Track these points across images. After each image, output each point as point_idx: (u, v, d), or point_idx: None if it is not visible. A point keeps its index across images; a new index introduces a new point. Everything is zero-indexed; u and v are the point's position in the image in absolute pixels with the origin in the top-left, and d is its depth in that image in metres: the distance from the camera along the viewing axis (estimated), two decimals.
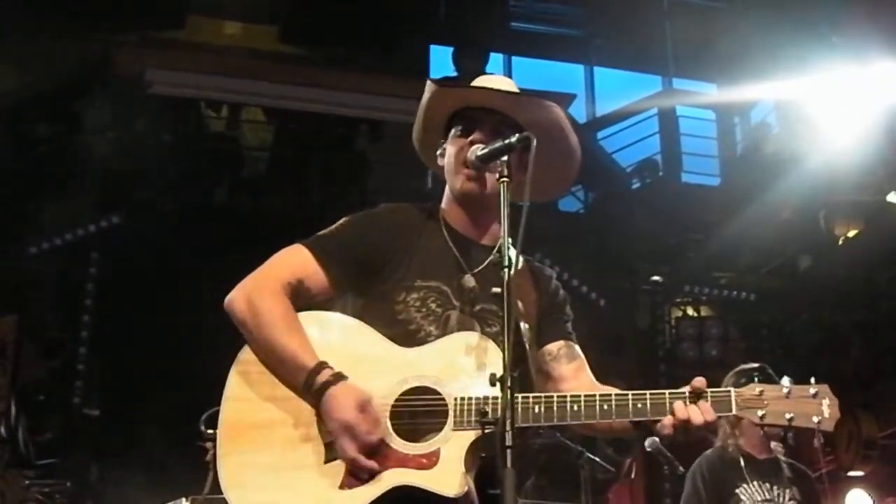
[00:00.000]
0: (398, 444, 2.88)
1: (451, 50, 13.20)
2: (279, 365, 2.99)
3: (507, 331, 2.68)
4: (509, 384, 2.63)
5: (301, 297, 3.09)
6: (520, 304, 3.08)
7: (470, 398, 2.88)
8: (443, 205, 3.31)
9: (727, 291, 12.94)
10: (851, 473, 11.63)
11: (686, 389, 2.89)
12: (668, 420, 2.87)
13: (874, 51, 10.37)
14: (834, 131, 11.03)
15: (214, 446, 3.04)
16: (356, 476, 2.85)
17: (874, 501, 11.43)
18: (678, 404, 2.86)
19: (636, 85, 15.60)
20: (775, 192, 11.67)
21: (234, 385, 3.06)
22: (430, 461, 2.83)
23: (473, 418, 2.84)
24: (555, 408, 2.87)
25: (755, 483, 5.63)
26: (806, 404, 2.83)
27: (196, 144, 12.23)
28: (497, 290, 2.81)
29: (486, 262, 3.16)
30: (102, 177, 11.34)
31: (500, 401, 2.65)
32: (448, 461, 2.81)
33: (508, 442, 2.55)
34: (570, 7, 15.24)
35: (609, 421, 2.92)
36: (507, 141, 2.96)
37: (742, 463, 5.69)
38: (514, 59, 15.34)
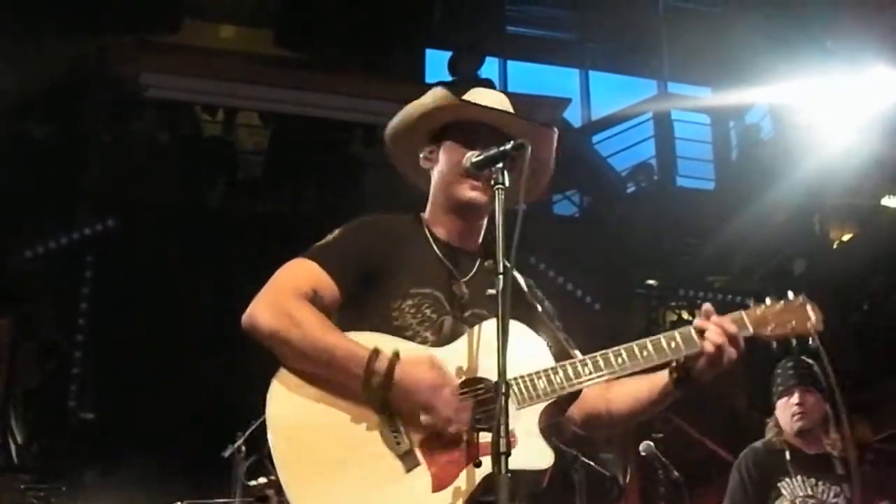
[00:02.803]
0: (470, 435, 2.87)
1: (446, 54, 13.21)
2: (330, 363, 2.88)
3: (504, 333, 2.70)
4: (504, 390, 2.64)
5: (317, 307, 3.01)
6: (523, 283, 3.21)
7: (521, 376, 2.92)
8: (426, 215, 3.31)
9: (722, 295, 12.94)
10: None
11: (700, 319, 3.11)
12: (708, 344, 3.03)
13: (868, 55, 10.40)
14: (828, 135, 11.05)
15: (276, 493, 2.94)
16: (443, 476, 2.83)
17: None
18: (706, 323, 3.08)
19: (631, 89, 15.62)
20: (770, 195, 11.70)
21: (280, 418, 2.90)
22: (508, 443, 2.81)
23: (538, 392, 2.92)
24: (601, 362, 3.01)
25: (799, 477, 5.51)
26: (798, 312, 3.23)
27: (191, 148, 12.24)
28: (492, 291, 2.84)
29: (486, 271, 3.16)
30: (98, 180, 11.34)
31: (497, 405, 2.65)
32: (527, 437, 2.84)
33: (503, 448, 2.57)
34: (565, 11, 15.26)
35: (636, 392, 3.14)
36: (502, 148, 2.98)
37: (788, 456, 5.60)
38: (510, 63, 15.36)
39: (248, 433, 6.36)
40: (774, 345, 3.23)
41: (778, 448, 5.67)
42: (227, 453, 6.47)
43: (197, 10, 12.73)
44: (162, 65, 11.93)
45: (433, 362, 2.89)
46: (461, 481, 2.83)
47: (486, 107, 3.24)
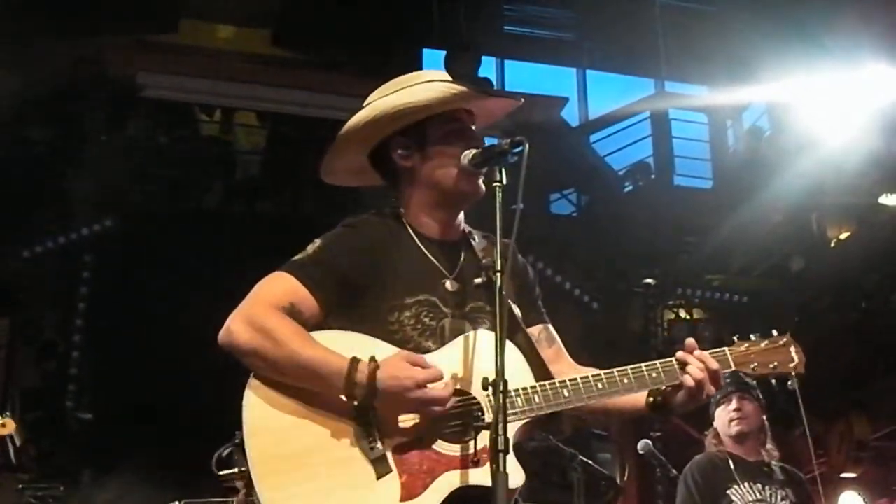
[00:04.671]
0: (444, 447, 2.87)
1: (443, 53, 13.22)
2: (309, 377, 2.88)
3: (502, 333, 2.71)
4: (501, 389, 2.64)
5: (295, 321, 2.98)
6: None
7: (515, 390, 2.90)
8: (407, 212, 3.26)
9: (719, 294, 12.97)
10: (844, 475, 11.66)
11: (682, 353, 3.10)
12: (689, 379, 3.02)
13: (866, 53, 10.41)
14: (826, 134, 11.06)
15: (245, 485, 2.95)
16: (413, 486, 2.83)
17: (867, 503, 11.45)
18: (689, 357, 3.06)
19: (628, 88, 15.62)
20: (767, 194, 11.70)
21: (254, 419, 2.90)
22: (481, 458, 2.82)
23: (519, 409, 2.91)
24: (581, 388, 2.98)
25: (746, 484, 5.67)
26: (781, 353, 3.23)
27: (189, 148, 12.23)
28: (478, 280, 2.97)
29: (483, 269, 3.14)
30: (96, 180, 11.33)
31: (494, 404, 2.66)
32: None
33: (501, 446, 2.57)
34: (562, 11, 15.24)
35: (628, 403, 3.10)
36: (500, 146, 2.99)
37: (731, 465, 5.74)
38: (507, 62, 15.35)
39: None
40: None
41: (721, 458, 5.84)
42: (224, 452, 6.48)
43: (195, 11, 12.72)
44: (159, 65, 11.93)
45: (411, 360, 2.87)
46: (431, 492, 2.82)
47: (490, 92, 3.29)
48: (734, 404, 5.81)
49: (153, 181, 11.41)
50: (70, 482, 9.55)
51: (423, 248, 3.18)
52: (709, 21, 13.76)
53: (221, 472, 5.84)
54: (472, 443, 2.86)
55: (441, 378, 2.87)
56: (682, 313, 13.11)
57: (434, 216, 3.23)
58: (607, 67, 15.85)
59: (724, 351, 3.15)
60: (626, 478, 10.44)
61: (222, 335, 2.97)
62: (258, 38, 13.04)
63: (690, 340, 3.10)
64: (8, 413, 5.98)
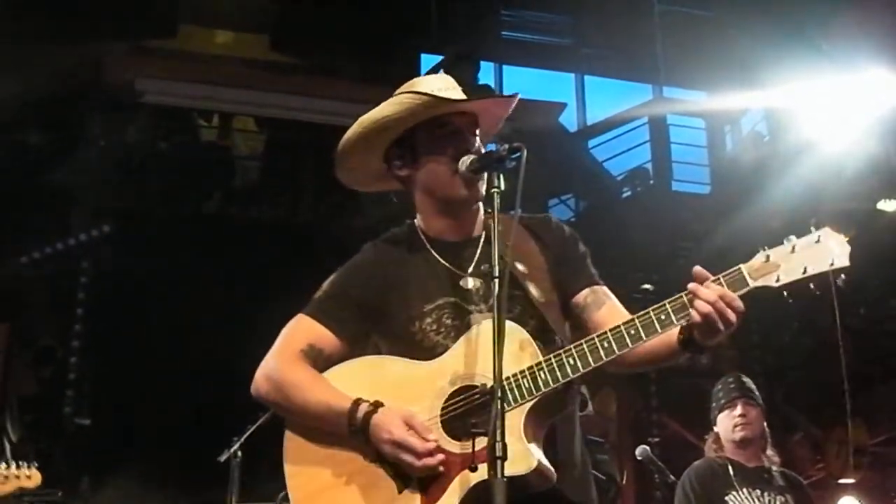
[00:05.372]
0: (457, 447, 2.92)
1: (442, 58, 13.21)
2: (320, 421, 3.07)
3: (500, 334, 2.70)
4: (499, 395, 2.64)
5: (319, 360, 3.16)
6: (522, 267, 3.14)
7: (508, 377, 2.87)
8: (418, 220, 3.32)
9: None
10: (842, 481, 11.65)
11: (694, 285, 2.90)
12: (695, 314, 2.83)
13: (864, 58, 10.40)
14: (824, 139, 11.05)
15: None
16: (432, 492, 2.89)
17: None
18: (697, 289, 2.86)
19: (626, 93, 15.62)
20: (766, 199, 11.68)
21: (291, 461, 3.13)
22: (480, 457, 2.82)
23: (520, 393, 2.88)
24: (587, 352, 2.91)
25: (745, 490, 5.65)
26: (816, 250, 2.82)
27: (187, 153, 12.22)
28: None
29: (483, 274, 3.15)
30: (94, 186, 11.32)
31: (492, 410, 2.65)
32: (510, 442, 2.73)
33: (499, 453, 2.57)
34: (560, 16, 15.26)
35: (662, 345, 2.98)
36: (498, 152, 2.99)
37: (731, 471, 5.73)
38: (506, 67, 15.36)
39: (243, 438, 6.37)
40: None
41: (720, 463, 5.82)
42: (223, 458, 6.47)
43: (193, 16, 12.72)
44: (158, 70, 11.92)
45: (407, 420, 2.94)
46: (451, 493, 2.88)
47: (456, 100, 3.23)
48: (739, 409, 5.81)
49: (151, 187, 11.39)
50: (68, 487, 9.54)
51: (435, 253, 3.23)
52: (707, 26, 13.78)
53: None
54: (483, 438, 2.81)
55: (427, 441, 2.91)
56: None
57: (441, 220, 3.26)
58: (605, 73, 15.87)
59: (738, 269, 2.88)
60: (624, 481, 10.44)
61: (252, 387, 3.23)
62: (257, 44, 13.04)
63: (698, 268, 2.90)
64: (35, 464, 6.04)
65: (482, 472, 2.76)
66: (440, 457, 2.90)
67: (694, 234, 12.87)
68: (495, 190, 2.95)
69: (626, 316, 3.06)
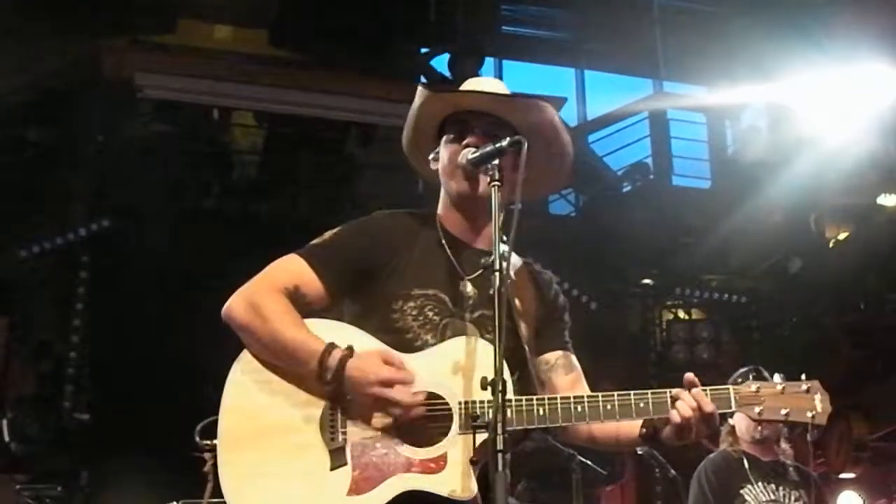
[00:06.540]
0: (405, 449, 2.88)
1: (443, 53, 13.20)
2: (288, 357, 2.97)
3: (500, 334, 2.69)
4: (501, 388, 2.62)
5: (298, 304, 3.07)
6: (518, 303, 3.12)
7: (474, 401, 2.87)
8: (439, 210, 3.30)
9: (718, 294, 12.95)
10: (843, 475, 11.65)
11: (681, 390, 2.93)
12: (676, 415, 2.87)
13: (864, 53, 10.38)
14: (824, 134, 11.03)
15: (213, 456, 3.01)
16: (362, 482, 2.84)
17: (865, 503, 11.45)
18: (683, 394, 2.89)
19: (627, 88, 15.60)
20: (766, 194, 11.68)
21: (233, 395, 3.01)
22: (437, 465, 2.83)
23: (473, 423, 2.81)
24: (559, 409, 2.89)
25: (760, 484, 5.65)
26: (800, 399, 2.92)
27: (186, 148, 12.20)
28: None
29: (482, 267, 3.12)
30: (93, 180, 11.31)
31: (493, 404, 2.64)
32: (455, 464, 2.81)
33: (500, 446, 2.56)
34: (560, 11, 15.23)
35: (615, 430, 3.01)
36: (498, 144, 2.98)
37: (746, 464, 5.71)
38: (505, 62, 15.34)
39: None
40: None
41: (735, 457, 5.79)
42: (209, 422, 6.44)
43: (192, 10, 12.68)
44: (156, 65, 11.89)
45: (386, 357, 2.89)
46: (378, 492, 2.83)
47: (460, 91, 3.26)
48: None
49: (150, 181, 11.36)
50: (67, 483, 9.54)
51: (447, 246, 3.20)
52: (707, 21, 13.76)
53: (199, 441, 5.85)
54: (434, 448, 2.86)
55: (410, 382, 2.87)
56: (681, 313, 13.09)
57: (456, 215, 3.27)
58: (605, 67, 15.84)
59: (727, 389, 2.94)
60: (624, 477, 10.45)
61: (224, 309, 3.10)
62: (256, 38, 12.99)
63: (689, 376, 2.93)
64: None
65: (425, 480, 2.79)
66: (420, 397, 2.87)
67: (694, 228, 12.86)
68: (496, 183, 2.94)
69: (587, 391, 3.12)
